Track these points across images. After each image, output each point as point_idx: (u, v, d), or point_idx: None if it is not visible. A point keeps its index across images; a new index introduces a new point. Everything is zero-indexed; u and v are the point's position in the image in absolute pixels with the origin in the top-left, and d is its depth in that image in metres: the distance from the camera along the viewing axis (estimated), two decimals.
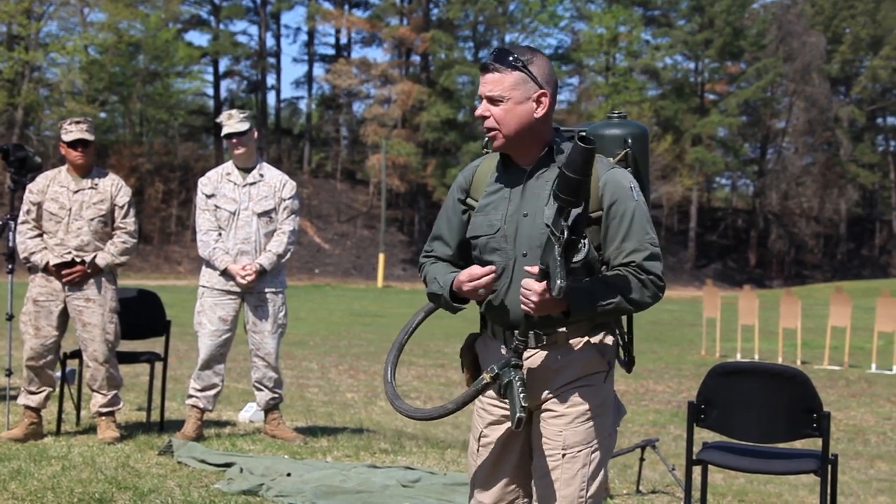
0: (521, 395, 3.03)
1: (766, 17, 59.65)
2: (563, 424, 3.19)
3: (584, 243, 2.98)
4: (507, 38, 58.13)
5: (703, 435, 5.39)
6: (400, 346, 3.56)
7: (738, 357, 15.87)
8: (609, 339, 3.25)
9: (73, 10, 49.06)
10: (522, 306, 3.07)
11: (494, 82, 3.14)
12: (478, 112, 3.18)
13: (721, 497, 6.24)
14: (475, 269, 3.14)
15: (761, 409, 4.82)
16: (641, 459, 6.26)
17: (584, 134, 2.94)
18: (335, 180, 57.58)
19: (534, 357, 3.21)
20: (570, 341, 3.20)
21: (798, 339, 16.13)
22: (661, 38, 59.44)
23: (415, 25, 56.57)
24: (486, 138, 3.27)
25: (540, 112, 3.16)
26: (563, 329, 3.18)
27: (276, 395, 7.31)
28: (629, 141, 3.30)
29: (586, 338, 3.21)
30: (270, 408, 7.33)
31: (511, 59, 3.13)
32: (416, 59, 59.13)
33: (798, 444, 6.15)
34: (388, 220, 48.74)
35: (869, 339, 16.69)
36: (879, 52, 58.66)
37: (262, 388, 7.29)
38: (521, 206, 3.18)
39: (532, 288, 3.03)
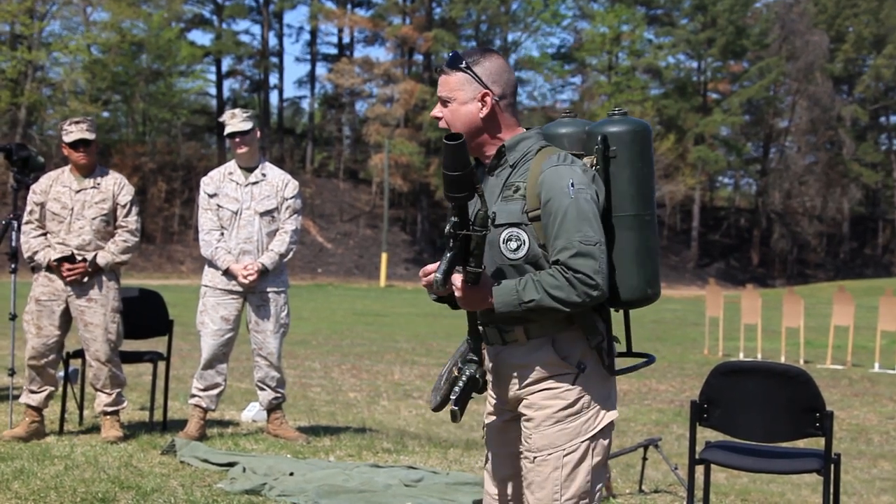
0: (458, 390, 3.15)
1: (769, 15, 59.63)
2: (532, 428, 3.21)
3: (525, 240, 3.08)
4: (510, 37, 58.20)
5: (706, 434, 5.39)
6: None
7: (741, 356, 15.86)
8: (576, 339, 3.19)
9: (76, 9, 49.11)
10: (458, 301, 3.17)
11: (443, 84, 3.25)
12: (432, 113, 3.29)
13: (724, 496, 6.24)
14: (428, 267, 3.22)
15: (764, 408, 4.81)
16: (644, 459, 6.26)
17: (450, 133, 3.03)
18: (338, 180, 57.61)
19: (500, 354, 3.26)
20: (532, 340, 3.19)
21: (801, 339, 16.13)
22: (664, 37, 59.43)
23: (417, 24, 56.57)
24: None
25: (484, 111, 3.21)
26: (519, 327, 3.19)
27: (279, 395, 7.31)
28: (599, 138, 3.22)
29: (546, 337, 3.19)
30: (273, 407, 7.33)
31: (457, 61, 3.23)
32: (418, 58, 59.15)
33: (801, 444, 6.15)
34: (391, 220, 48.75)
35: (872, 339, 16.68)
36: (882, 50, 58.64)
37: (264, 387, 7.29)
38: (482, 204, 3.23)
39: (455, 284, 3.12)
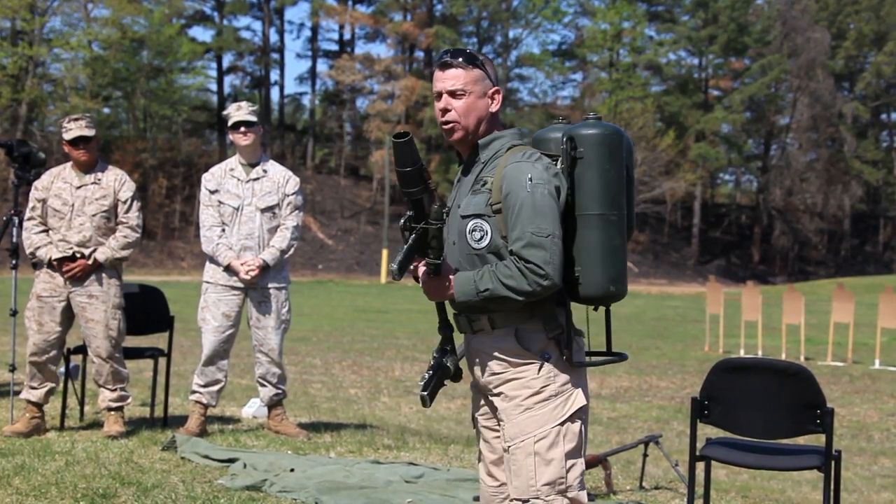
0: (427, 377, 3.29)
1: (771, 12, 59.60)
2: (503, 417, 3.33)
3: (487, 231, 3.26)
4: (511, 33, 58.15)
5: (707, 431, 5.39)
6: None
7: (742, 353, 15.86)
8: (537, 330, 3.30)
9: (77, 5, 49.09)
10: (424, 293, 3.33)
11: (456, 76, 3.34)
12: (441, 105, 3.35)
13: (724, 493, 6.24)
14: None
15: (765, 405, 4.81)
16: (645, 455, 6.26)
17: (398, 132, 3.16)
18: (339, 176, 57.61)
19: (471, 342, 3.41)
20: (496, 329, 3.33)
21: (801, 336, 16.12)
22: (665, 33, 59.39)
23: (418, 21, 56.55)
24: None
25: (494, 107, 3.37)
26: (484, 317, 3.33)
27: (280, 391, 7.32)
28: (565, 138, 3.31)
29: (512, 327, 3.31)
30: (274, 403, 7.33)
31: (473, 57, 3.35)
32: (419, 54, 59.18)
33: (801, 441, 6.15)
34: (392, 216, 48.67)
35: (872, 336, 16.67)
36: (883, 48, 58.63)
37: (265, 383, 7.30)
38: (457, 197, 3.41)
39: (419, 275, 3.33)
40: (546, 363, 3.30)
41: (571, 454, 3.31)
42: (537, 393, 3.30)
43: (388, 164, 48.21)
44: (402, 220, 3.19)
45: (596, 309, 3.43)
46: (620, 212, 3.31)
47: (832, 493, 4.80)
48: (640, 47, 57.86)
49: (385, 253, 44.15)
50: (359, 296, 31.85)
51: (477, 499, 5.40)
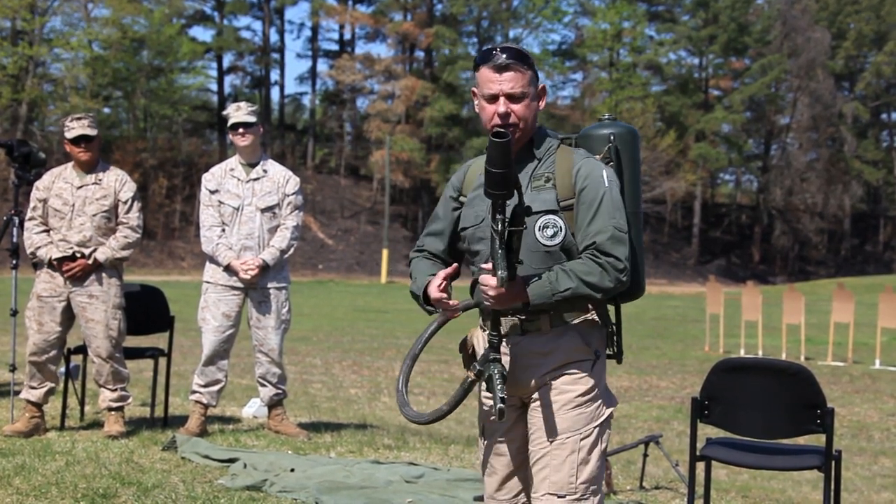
0: (500, 388, 3.10)
1: (771, 12, 59.59)
2: (551, 412, 3.28)
3: (561, 227, 3.18)
4: (511, 33, 58.11)
5: (707, 431, 5.39)
6: (414, 358, 3.66)
7: (742, 353, 15.86)
8: (594, 327, 3.31)
9: (77, 5, 49.10)
10: (484, 301, 3.18)
11: (514, 79, 3.25)
12: (500, 109, 3.24)
13: (724, 493, 6.24)
14: (434, 282, 3.26)
15: (765, 405, 4.81)
16: (645, 455, 6.26)
17: (497, 130, 3.06)
18: (339, 176, 57.61)
19: (520, 344, 3.29)
20: (554, 328, 3.27)
21: (801, 335, 16.12)
22: (665, 33, 59.39)
23: (418, 21, 56.54)
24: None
25: (542, 105, 3.36)
26: (544, 316, 3.25)
27: (280, 391, 7.32)
28: (612, 137, 3.40)
29: (570, 324, 3.28)
30: (274, 403, 7.33)
31: (525, 56, 3.28)
32: (419, 54, 59.15)
33: (802, 441, 6.15)
34: (392, 216, 48.74)
35: (873, 336, 16.67)
36: (883, 47, 58.64)
37: (265, 383, 7.30)
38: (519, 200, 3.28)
39: (488, 283, 3.15)
40: (597, 361, 3.31)
41: (603, 454, 3.33)
42: (589, 391, 3.29)
43: (388, 164, 48.23)
44: (496, 226, 3.02)
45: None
46: (641, 208, 3.40)
47: (832, 493, 4.80)
48: (641, 47, 57.86)
49: (385, 253, 44.16)
50: (359, 296, 31.85)
51: (477, 499, 5.40)
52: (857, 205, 62.46)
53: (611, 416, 3.34)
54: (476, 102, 3.34)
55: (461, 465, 6.47)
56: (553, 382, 3.28)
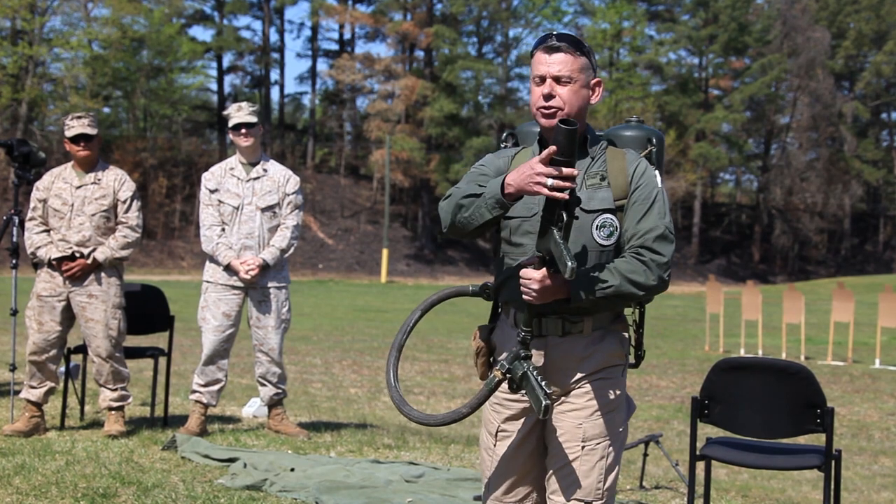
0: (543, 384, 3.04)
1: (771, 12, 59.57)
2: (583, 417, 3.23)
3: (616, 226, 3.15)
4: (511, 33, 58.13)
5: (707, 430, 5.39)
6: (399, 348, 3.52)
7: (742, 352, 15.86)
8: (624, 332, 3.31)
9: (77, 5, 49.07)
10: (525, 297, 3.11)
11: (563, 62, 3.19)
12: (545, 90, 3.19)
13: (724, 492, 6.24)
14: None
15: (765, 404, 4.82)
16: (645, 455, 6.27)
17: (564, 118, 3.03)
18: (339, 175, 57.59)
19: (560, 346, 3.24)
20: (595, 331, 3.24)
21: (802, 335, 16.13)
22: (665, 33, 59.36)
23: (418, 20, 56.52)
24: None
25: (594, 99, 3.26)
26: (588, 318, 3.21)
27: (280, 391, 7.32)
28: (653, 140, 3.42)
29: (609, 328, 3.26)
30: (274, 403, 7.34)
31: (580, 43, 3.21)
32: (419, 54, 59.10)
33: (802, 440, 6.15)
34: (392, 216, 48.74)
35: (872, 335, 16.68)
36: (883, 47, 58.61)
37: (265, 383, 7.30)
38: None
39: (532, 276, 3.09)
40: (625, 365, 3.30)
41: (620, 458, 3.31)
42: (619, 398, 3.28)
43: (388, 164, 48.22)
44: (555, 219, 2.99)
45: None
46: None
47: (832, 493, 4.80)
48: (641, 47, 57.85)
49: (385, 252, 44.15)
50: (359, 295, 31.85)
51: (477, 498, 5.40)
52: (857, 204, 62.43)
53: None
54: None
55: (461, 465, 6.48)
56: (588, 386, 3.24)
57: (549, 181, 2.97)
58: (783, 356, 14.99)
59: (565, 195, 2.98)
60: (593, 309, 3.19)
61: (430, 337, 17.30)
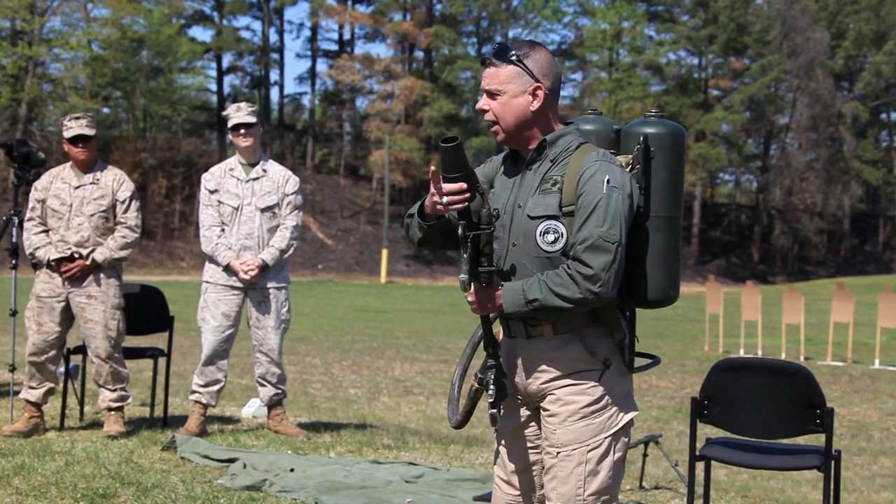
0: (492, 394, 3.15)
1: (770, 12, 59.58)
2: (556, 423, 3.22)
3: (562, 233, 3.11)
4: (511, 33, 58.10)
5: (707, 431, 5.39)
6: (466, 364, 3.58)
7: (741, 353, 15.86)
8: (602, 336, 3.22)
9: (77, 5, 49.08)
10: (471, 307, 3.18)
11: (490, 76, 3.20)
12: (478, 106, 3.24)
13: (724, 493, 6.24)
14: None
15: (764, 405, 4.82)
16: (644, 455, 6.26)
17: (447, 135, 3.06)
18: (338, 176, 57.58)
19: (525, 349, 3.26)
20: (558, 335, 3.21)
21: (801, 335, 16.13)
22: (665, 33, 59.36)
23: (418, 21, 56.53)
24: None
25: (535, 105, 3.20)
26: (547, 322, 3.19)
27: (280, 391, 7.32)
28: (642, 138, 3.24)
29: (574, 332, 3.20)
30: (274, 403, 7.33)
31: (507, 53, 3.19)
32: (419, 54, 59.13)
33: (801, 440, 6.16)
34: (391, 216, 48.71)
35: (872, 335, 16.68)
36: (883, 47, 58.62)
37: (265, 383, 7.30)
38: (518, 196, 3.23)
39: (476, 290, 3.16)
40: (607, 370, 3.21)
41: (618, 464, 3.24)
42: (596, 401, 3.20)
43: (388, 164, 48.22)
44: (459, 231, 3.05)
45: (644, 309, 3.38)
46: (682, 213, 3.26)
47: (832, 493, 4.80)
48: (640, 47, 57.84)
49: (385, 253, 44.15)
50: (358, 296, 31.84)
51: (477, 498, 5.40)
52: (857, 205, 62.43)
53: (630, 423, 3.26)
54: None
55: (461, 465, 6.48)
56: (557, 392, 3.22)
57: (445, 198, 3.04)
58: (783, 356, 14.99)
59: (459, 207, 3.04)
60: (528, 315, 3.16)
61: (430, 337, 17.30)
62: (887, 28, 58.75)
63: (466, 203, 3.04)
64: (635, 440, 6.56)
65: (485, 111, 3.22)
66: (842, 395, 11.67)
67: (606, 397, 3.22)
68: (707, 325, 17.47)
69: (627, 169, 3.23)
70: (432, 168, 3.07)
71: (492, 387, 3.15)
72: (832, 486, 4.80)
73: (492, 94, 3.20)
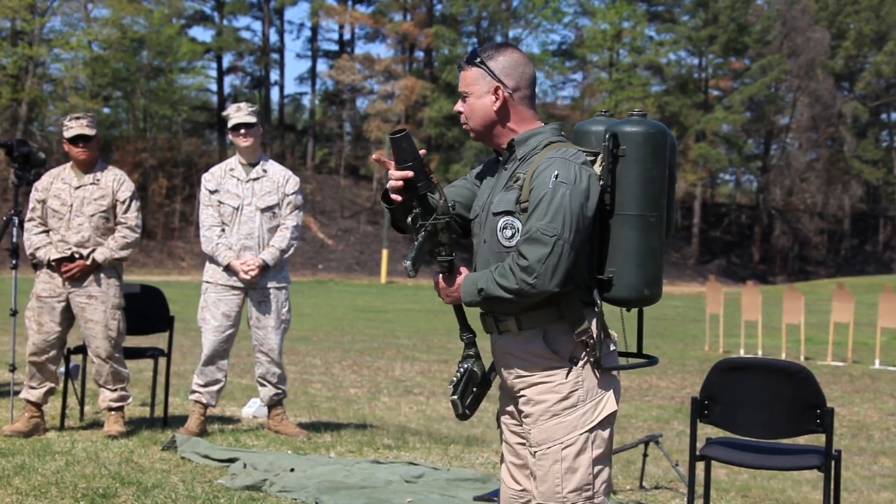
0: (455, 380, 3.28)
1: (771, 12, 59.58)
2: (531, 423, 3.27)
3: (518, 228, 3.19)
4: (511, 33, 58.10)
5: (707, 431, 5.38)
6: None
7: (742, 353, 15.86)
8: (566, 332, 3.22)
9: (77, 5, 49.05)
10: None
11: (462, 79, 3.37)
12: (455, 108, 3.41)
13: (724, 493, 6.24)
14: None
15: (765, 404, 4.82)
16: (645, 455, 6.26)
17: (397, 128, 3.23)
18: (338, 176, 57.58)
19: (498, 343, 3.35)
20: (523, 331, 3.26)
21: (801, 335, 16.13)
22: (665, 33, 59.37)
23: (418, 21, 56.53)
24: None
25: (497, 105, 3.31)
26: (511, 317, 3.26)
27: (280, 391, 7.32)
28: (607, 137, 3.21)
29: (540, 329, 3.24)
30: (274, 403, 7.34)
31: (474, 56, 3.33)
32: (419, 54, 59.12)
33: (801, 440, 6.16)
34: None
35: (872, 335, 16.68)
36: (883, 47, 58.63)
37: (265, 383, 7.30)
38: (492, 195, 3.34)
39: (436, 280, 3.32)
40: (574, 367, 3.22)
41: (599, 460, 3.25)
42: (565, 398, 3.22)
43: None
44: (409, 218, 3.19)
45: (629, 310, 3.37)
46: (660, 213, 3.22)
47: (832, 493, 4.80)
48: (640, 47, 57.84)
49: (385, 253, 44.14)
50: (359, 295, 31.84)
51: (477, 498, 5.40)
52: (857, 205, 62.44)
53: (608, 418, 3.25)
54: None
55: (461, 465, 6.48)
56: (527, 392, 3.27)
57: (389, 183, 3.25)
58: (783, 356, 14.99)
59: (402, 195, 3.23)
60: (510, 309, 3.22)
61: (430, 337, 17.30)
62: (887, 28, 58.75)
63: (408, 191, 3.20)
64: (635, 440, 6.56)
65: (460, 112, 3.38)
66: (842, 395, 11.67)
67: (577, 393, 3.23)
68: (707, 325, 17.47)
69: (593, 166, 3.23)
70: (373, 156, 3.27)
71: (457, 376, 3.27)
72: (832, 486, 4.80)
73: (463, 97, 3.36)
